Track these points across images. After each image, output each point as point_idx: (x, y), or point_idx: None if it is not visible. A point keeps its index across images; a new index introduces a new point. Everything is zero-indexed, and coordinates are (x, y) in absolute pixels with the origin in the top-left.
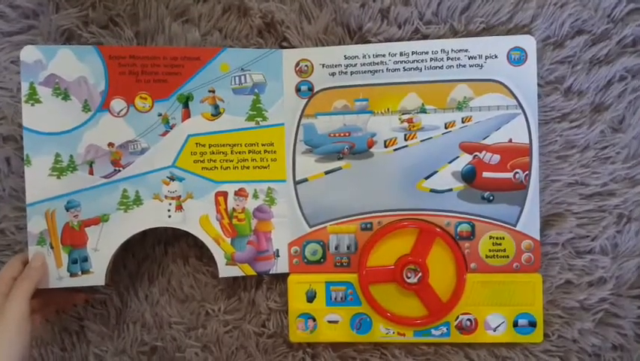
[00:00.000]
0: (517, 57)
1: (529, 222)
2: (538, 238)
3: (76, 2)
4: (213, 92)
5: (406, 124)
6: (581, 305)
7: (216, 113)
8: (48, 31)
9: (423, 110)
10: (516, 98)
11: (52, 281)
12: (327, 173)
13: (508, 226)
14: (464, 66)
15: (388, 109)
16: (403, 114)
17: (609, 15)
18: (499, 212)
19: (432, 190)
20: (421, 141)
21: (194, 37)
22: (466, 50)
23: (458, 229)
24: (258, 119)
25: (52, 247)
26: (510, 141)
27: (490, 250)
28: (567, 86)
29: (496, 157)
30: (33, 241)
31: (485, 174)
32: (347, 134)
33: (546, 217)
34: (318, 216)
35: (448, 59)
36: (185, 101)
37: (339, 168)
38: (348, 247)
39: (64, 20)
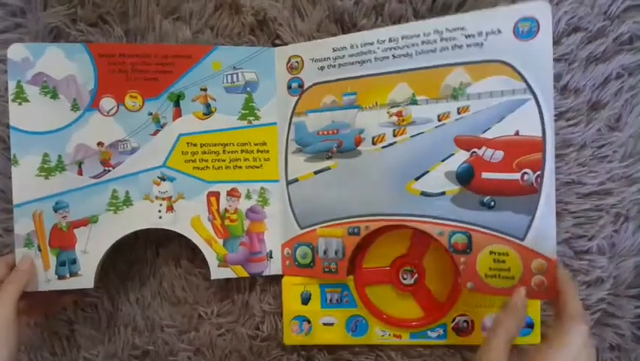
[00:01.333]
0: (526, 30)
1: (542, 235)
2: (554, 256)
3: (64, 0)
4: (205, 90)
5: (394, 118)
6: None
7: (208, 112)
8: (36, 30)
9: (413, 102)
10: (525, 80)
11: (40, 284)
12: (316, 173)
13: (514, 240)
14: (461, 47)
15: (377, 102)
16: (391, 107)
17: (605, 12)
18: (503, 222)
19: (422, 193)
20: (411, 136)
21: (185, 35)
22: (462, 28)
23: (452, 240)
24: (251, 118)
25: (39, 249)
26: (517, 133)
27: (490, 269)
28: (563, 84)
29: (499, 154)
30: (20, 243)
31: (485, 175)
32: (335, 131)
33: None
34: (309, 218)
35: (442, 40)
36: (177, 100)
37: (328, 168)
38: (336, 253)
39: (53, 18)
